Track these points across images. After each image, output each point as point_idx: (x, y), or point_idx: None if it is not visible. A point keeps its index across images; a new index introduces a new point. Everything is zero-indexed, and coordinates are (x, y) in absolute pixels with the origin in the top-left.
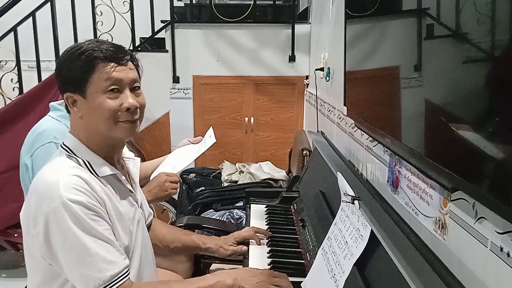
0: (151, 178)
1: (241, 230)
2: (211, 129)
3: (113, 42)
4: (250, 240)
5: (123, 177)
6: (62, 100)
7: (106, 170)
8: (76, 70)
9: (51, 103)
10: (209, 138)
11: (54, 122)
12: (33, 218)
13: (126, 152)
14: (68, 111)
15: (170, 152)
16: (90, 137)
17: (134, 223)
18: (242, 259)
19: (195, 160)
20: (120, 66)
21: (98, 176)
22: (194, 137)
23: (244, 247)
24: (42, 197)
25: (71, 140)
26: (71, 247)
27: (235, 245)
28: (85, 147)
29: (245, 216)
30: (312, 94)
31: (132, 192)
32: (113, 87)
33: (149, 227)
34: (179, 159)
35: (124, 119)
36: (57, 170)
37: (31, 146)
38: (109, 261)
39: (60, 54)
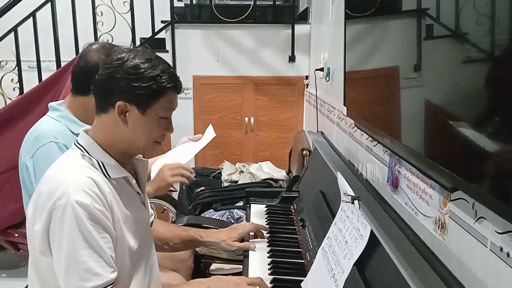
0: (151, 175)
1: (241, 224)
2: (210, 126)
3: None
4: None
5: (134, 181)
6: (62, 101)
7: (118, 172)
8: (146, 89)
9: (50, 104)
10: (208, 133)
11: (53, 122)
12: (39, 211)
13: None
14: (100, 113)
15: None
16: (115, 142)
17: (141, 225)
18: (242, 259)
19: (195, 160)
20: (178, 94)
21: (110, 177)
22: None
23: (253, 244)
24: (51, 193)
25: (85, 140)
26: (63, 248)
27: (239, 241)
28: (99, 148)
29: (245, 216)
30: (312, 94)
31: (140, 194)
32: (170, 114)
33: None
34: (179, 155)
35: (160, 140)
36: (70, 168)
37: (32, 147)
38: (93, 272)
39: (105, 56)
